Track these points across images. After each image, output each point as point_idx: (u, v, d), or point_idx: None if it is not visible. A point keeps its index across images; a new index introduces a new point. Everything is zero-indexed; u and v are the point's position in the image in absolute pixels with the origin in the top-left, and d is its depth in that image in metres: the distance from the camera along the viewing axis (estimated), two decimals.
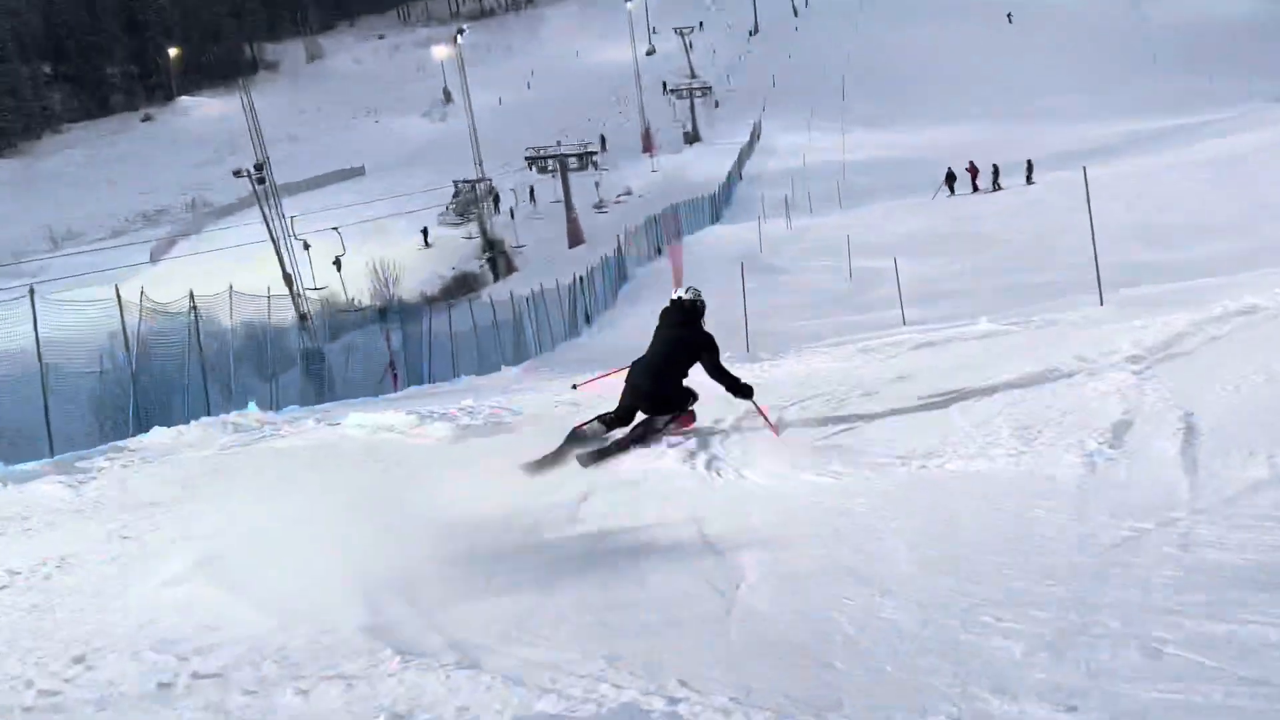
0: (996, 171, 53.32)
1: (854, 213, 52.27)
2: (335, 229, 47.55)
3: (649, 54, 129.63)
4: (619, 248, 46.87)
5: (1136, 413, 8.08)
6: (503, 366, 26.80)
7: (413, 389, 22.33)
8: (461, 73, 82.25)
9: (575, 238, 68.42)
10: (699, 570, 5.99)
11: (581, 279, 39.48)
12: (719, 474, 8.13)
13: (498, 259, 69.89)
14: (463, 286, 62.68)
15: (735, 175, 75.34)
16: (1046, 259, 30.91)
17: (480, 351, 29.73)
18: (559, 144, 75.01)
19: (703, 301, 9.65)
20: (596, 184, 77.30)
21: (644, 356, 9.59)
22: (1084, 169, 21.22)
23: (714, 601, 5.52)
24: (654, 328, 9.72)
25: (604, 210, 74.82)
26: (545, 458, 8.86)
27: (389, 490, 8.59)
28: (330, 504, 7.48)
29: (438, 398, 16.25)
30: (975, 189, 53.42)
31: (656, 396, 9.42)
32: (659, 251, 50.54)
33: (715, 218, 61.70)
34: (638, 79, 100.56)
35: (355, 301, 47.86)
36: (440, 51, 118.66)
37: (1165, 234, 32.65)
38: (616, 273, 44.45)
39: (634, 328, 27.73)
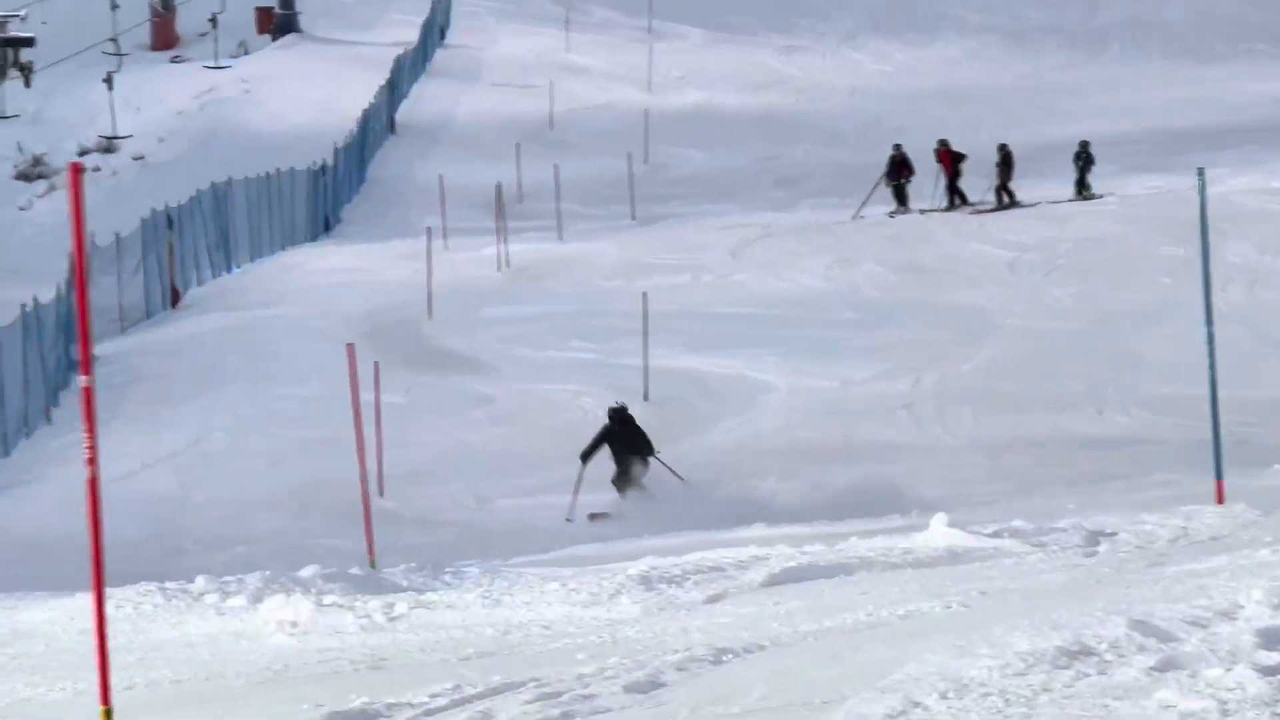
0: (1006, 161, 28.91)
1: (664, 233, 28.04)
2: None
3: None
4: (70, 287, 20.97)
5: None
6: None
7: None
8: None
9: None
10: None
11: None
12: None
13: None
14: None
15: (379, 124, 38.64)
16: (1111, 379, 17.88)
17: None
18: None
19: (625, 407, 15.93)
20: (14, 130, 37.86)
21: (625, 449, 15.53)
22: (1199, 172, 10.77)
23: None
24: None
25: (44, 189, 36.79)
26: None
27: None
28: None
29: None
30: (954, 201, 28.90)
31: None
32: (173, 302, 25.71)
33: (322, 225, 32.37)
34: None
35: None
36: None
37: None
38: (59, 349, 20.89)
39: (57, 500, 14.10)
